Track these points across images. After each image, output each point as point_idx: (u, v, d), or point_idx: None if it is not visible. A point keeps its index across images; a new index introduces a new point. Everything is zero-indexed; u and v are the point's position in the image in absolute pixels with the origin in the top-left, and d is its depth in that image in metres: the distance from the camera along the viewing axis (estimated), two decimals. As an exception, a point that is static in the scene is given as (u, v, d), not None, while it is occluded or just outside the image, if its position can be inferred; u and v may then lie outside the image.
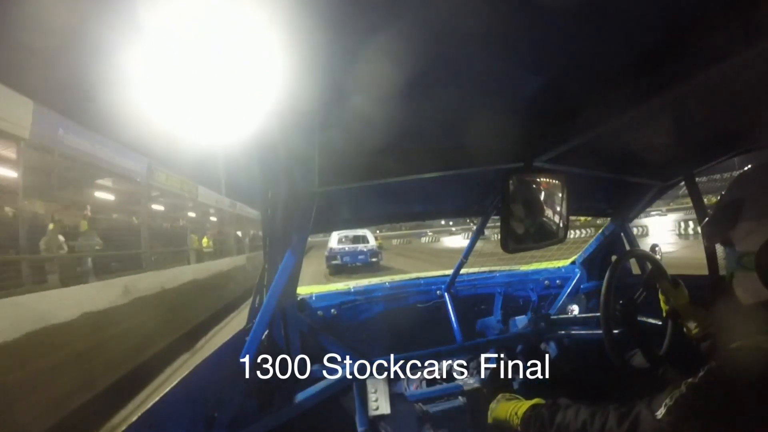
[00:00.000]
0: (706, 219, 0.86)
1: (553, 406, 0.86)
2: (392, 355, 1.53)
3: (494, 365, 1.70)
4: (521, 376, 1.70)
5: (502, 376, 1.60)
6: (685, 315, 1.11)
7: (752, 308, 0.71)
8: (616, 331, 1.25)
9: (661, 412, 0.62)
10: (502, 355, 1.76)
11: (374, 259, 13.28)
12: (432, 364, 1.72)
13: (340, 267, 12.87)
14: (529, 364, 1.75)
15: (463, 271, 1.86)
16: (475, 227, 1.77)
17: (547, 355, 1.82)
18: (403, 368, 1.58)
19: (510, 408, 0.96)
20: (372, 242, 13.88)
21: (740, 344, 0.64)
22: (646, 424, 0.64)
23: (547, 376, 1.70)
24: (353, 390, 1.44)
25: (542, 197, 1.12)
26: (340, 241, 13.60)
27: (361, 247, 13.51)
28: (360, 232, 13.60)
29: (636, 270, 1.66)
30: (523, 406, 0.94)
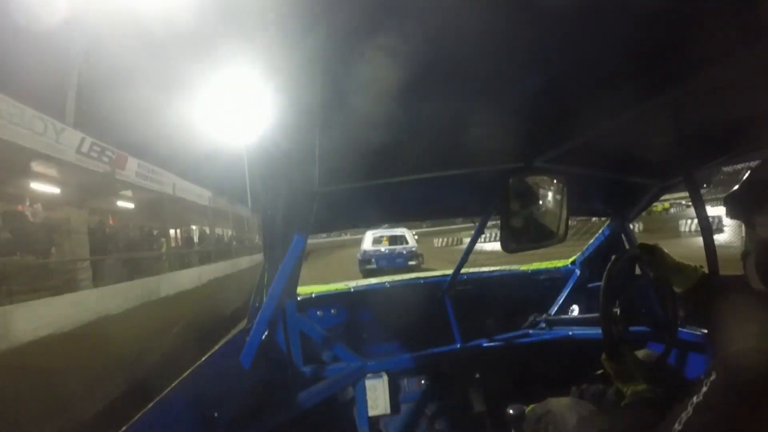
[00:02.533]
0: (731, 192, 0.81)
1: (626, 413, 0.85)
2: (392, 355, 1.53)
3: (494, 365, 1.70)
4: (521, 376, 1.70)
5: (501, 375, 1.60)
6: (672, 271, 1.08)
7: (752, 305, 0.70)
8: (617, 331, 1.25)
9: None
10: (502, 355, 1.76)
11: (413, 262, 11.62)
12: (432, 364, 1.72)
13: (375, 272, 11.10)
14: (528, 364, 1.76)
15: (463, 271, 1.86)
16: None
17: (547, 355, 1.82)
18: (402, 368, 1.58)
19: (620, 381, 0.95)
20: (411, 242, 12.15)
21: (740, 348, 0.63)
22: None
23: (546, 376, 1.71)
24: (353, 390, 1.44)
25: (542, 197, 1.12)
26: (375, 242, 12.07)
27: (399, 248, 11.92)
28: (398, 231, 12.07)
29: (636, 270, 1.66)
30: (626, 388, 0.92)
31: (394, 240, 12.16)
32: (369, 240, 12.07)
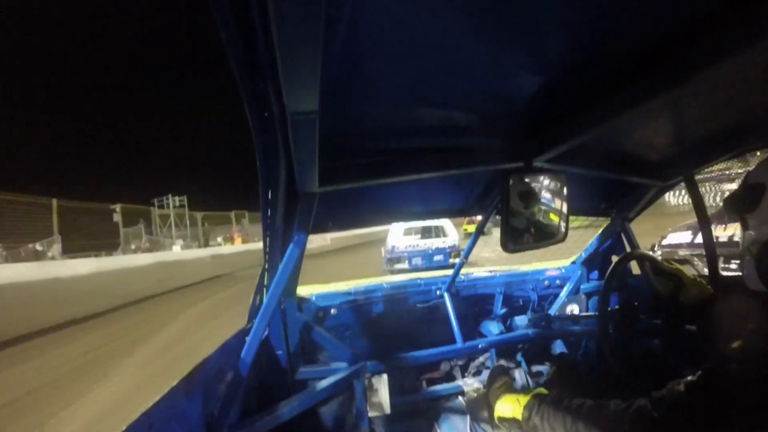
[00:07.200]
0: (730, 194, 0.86)
1: (558, 396, 0.87)
2: (392, 355, 1.53)
3: (494, 365, 1.70)
4: (521, 375, 1.70)
5: (502, 376, 1.60)
6: (687, 290, 1.11)
7: (751, 305, 0.71)
8: (614, 331, 1.25)
9: (660, 409, 0.63)
10: (502, 355, 1.76)
11: (457, 261, 7.40)
12: (432, 364, 1.72)
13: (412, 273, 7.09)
14: (528, 363, 1.76)
15: (463, 271, 1.86)
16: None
17: (547, 355, 1.82)
18: (402, 368, 1.58)
19: (513, 397, 0.97)
20: (453, 235, 9.57)
21: (737, 344, 0.65)
22: (646, 419, 0.64)
23: (546, 376, 1.71)
24: (353, 390, 1.44)
25: (542, 197, 1.12)
26: (406, 236, 9.50)
27: (438, 243, 9.34)
28: (436, 221, 9.13)
29: (636, 270, 1.67)
30: (526, 396, 0.95)
31: (430, 232, 9.62)
32: (398, 233, 9.45)
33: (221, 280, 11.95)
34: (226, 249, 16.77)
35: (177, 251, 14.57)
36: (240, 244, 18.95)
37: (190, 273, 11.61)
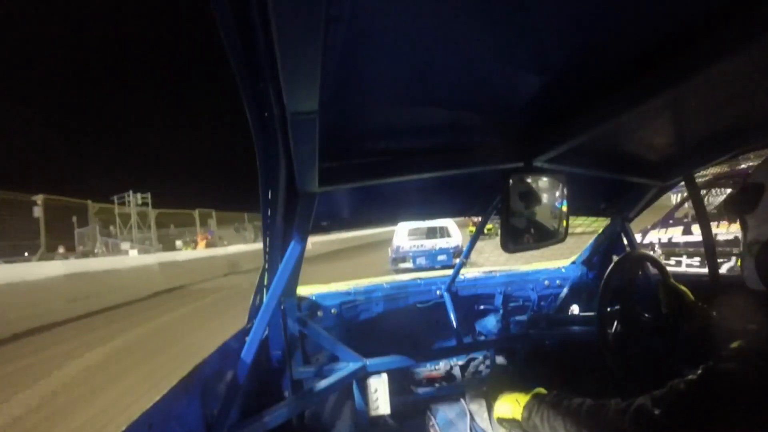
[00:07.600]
0: (729, 194, 0.88)
1: (558, 396, 0.87)
2: (392, 355, 1.53)
3: (494, 365, 1.70)
4: (521, 375, 1.71)
5: (502, 376, 1.60)
6: (689, 312, 1.12)
7: (751, 305, 0.71)
8: (613, 331, 1.25)
9: (660, 408, 0.63)
10: (501, 355, 1.76)
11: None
12: (432, 364, 1.72)
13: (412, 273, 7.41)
14: (529, 363, 1.76)
15: (463, 271, 1.86)
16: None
17: (547, 355, 1.82)
18: (402, 368, 1.58)
19: (512, 397, 0.97)
20: (456, 236, 9.97)
21: (739, 344, 0.64)
22: (646, 418, 0.64)
23: (547, 376, 1.71)
24: (353, 390, 1.44)
25: (542, 197, 1.12)
26: (411, 236, 9.93)
27: (441, 243, 9.78)
28: (440, 221, 9.56)
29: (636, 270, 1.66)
30: (526, 396, 0.95)
31: (434, 233, 9.98)
32: (403, 233, 9.89)
33: (167, 298, 9.07)
34: (183, 255, 13.78)
35: (133, 256, 12.28)
36: (203, 249, 15.91)
37: (123, 287, 8.82)
